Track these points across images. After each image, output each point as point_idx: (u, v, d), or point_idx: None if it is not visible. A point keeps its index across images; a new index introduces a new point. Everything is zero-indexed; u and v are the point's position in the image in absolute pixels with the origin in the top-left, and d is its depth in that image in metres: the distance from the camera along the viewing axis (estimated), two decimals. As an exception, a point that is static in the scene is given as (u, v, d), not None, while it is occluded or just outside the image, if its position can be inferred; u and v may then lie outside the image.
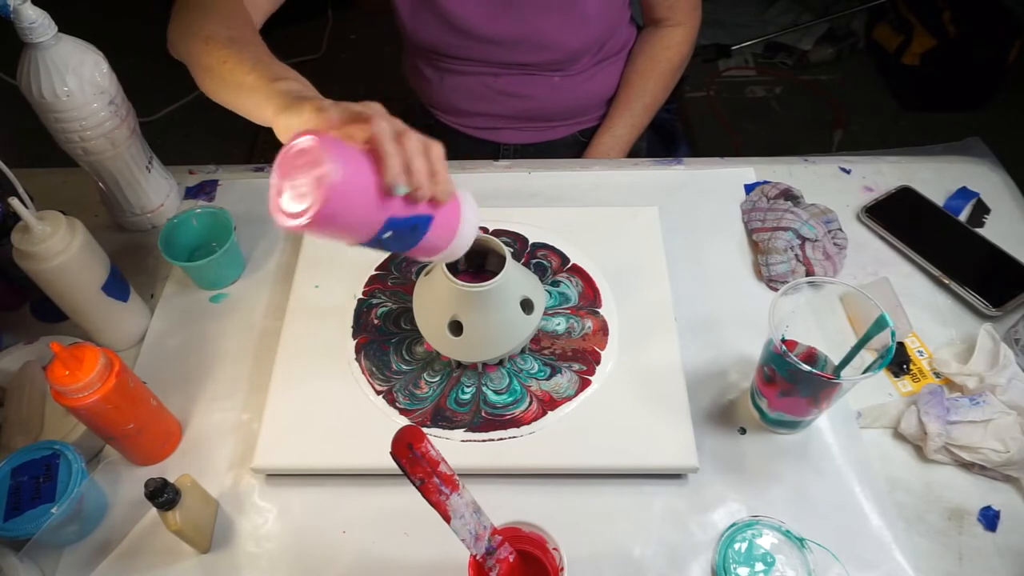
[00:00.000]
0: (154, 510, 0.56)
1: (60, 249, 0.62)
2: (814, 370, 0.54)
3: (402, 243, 0.50)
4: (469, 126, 1.02)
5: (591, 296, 0.72)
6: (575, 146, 1.03)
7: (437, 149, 0.49)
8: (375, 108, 0.50)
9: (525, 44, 0.90)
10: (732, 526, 0.59)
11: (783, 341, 0.59)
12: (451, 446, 0.62)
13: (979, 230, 0.78)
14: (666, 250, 0.75)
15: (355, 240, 0.47)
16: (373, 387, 0.66)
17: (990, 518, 0.60)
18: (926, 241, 0.77)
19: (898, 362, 0.69)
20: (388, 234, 0.47)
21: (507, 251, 0.61)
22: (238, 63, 0.60)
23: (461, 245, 0.53)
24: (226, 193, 0.86)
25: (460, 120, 1.02)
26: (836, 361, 0.62)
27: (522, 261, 0.74)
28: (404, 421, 0.64)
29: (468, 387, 0.66)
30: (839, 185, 0.84)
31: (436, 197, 0.49)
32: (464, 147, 1.03)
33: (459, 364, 0.66)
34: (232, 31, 0.66)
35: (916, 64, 2.02)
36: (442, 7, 0.88)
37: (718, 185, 0.84)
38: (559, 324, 0.70)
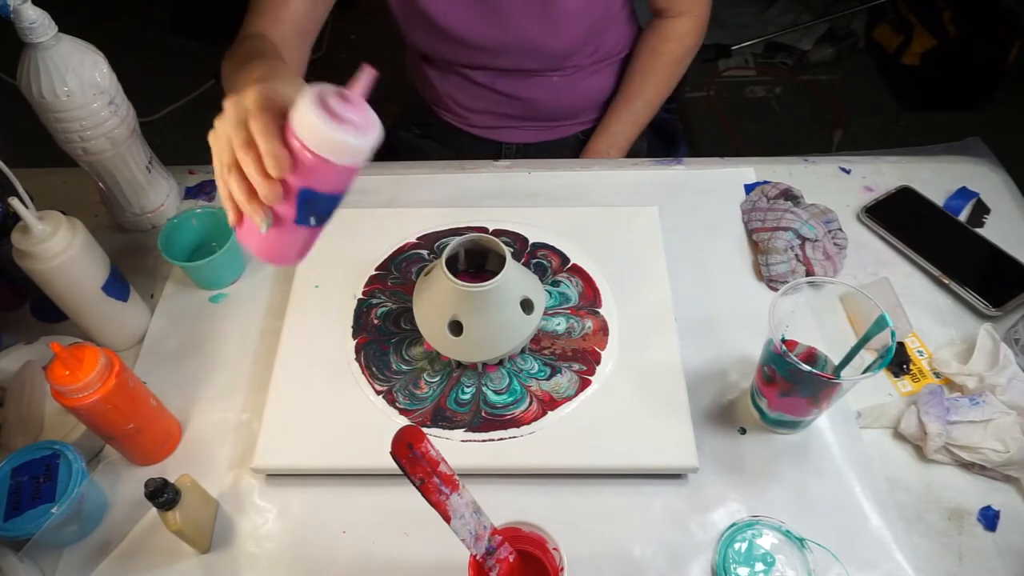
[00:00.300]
0: (154, 510, 0.56)
1: (60, 249, 0.62)
2: (814, 370, 0.54)
3: (330, 206, 0.50)
4: (471, 125, 1.02)
5: (591, 296, 0.72)
6: (577, 146, 1.02)
7: (255, 124, 0.46)
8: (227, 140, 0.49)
9: (514, 48, 0.90)
10: (732, 526, 0.59)
11: (783, 341, 0.59)
12: (451, 446, 0.62)
13: (979, 230, 0.78)
14: (666, 250, 0.75)
15: (313, 241, 0.52)
16: (373, 387, 0.66)
17: (990, 518, 0.60)
18: (926, 241, 0.77)
19: (898, 362, 0.69)
20: (312, 220, 0.50)
21: (507, 251, 0.61)
22: (235, 87, 0.62)
23: (352, 148, 0.46)
24: (226, 193, 0.86)
25: (462, 119, 1.02)
26: (836, 361, 0.62)
27: (522, 261, 0.74)
28: (404, 421, 0.64)
29: (468, 387, 0.66)
30: (839, 185, 0.84)
31: (280, 179, 0.46)
32: (466, 145, 1.03)
33: (459, 364, 0.66)
34: (239, 58, 0.68)
35: (916, 64, 2.02)
36: (430, 16, 0.88)
37: (718, 185, 0.84)
38: (559, 324, 0.70)
